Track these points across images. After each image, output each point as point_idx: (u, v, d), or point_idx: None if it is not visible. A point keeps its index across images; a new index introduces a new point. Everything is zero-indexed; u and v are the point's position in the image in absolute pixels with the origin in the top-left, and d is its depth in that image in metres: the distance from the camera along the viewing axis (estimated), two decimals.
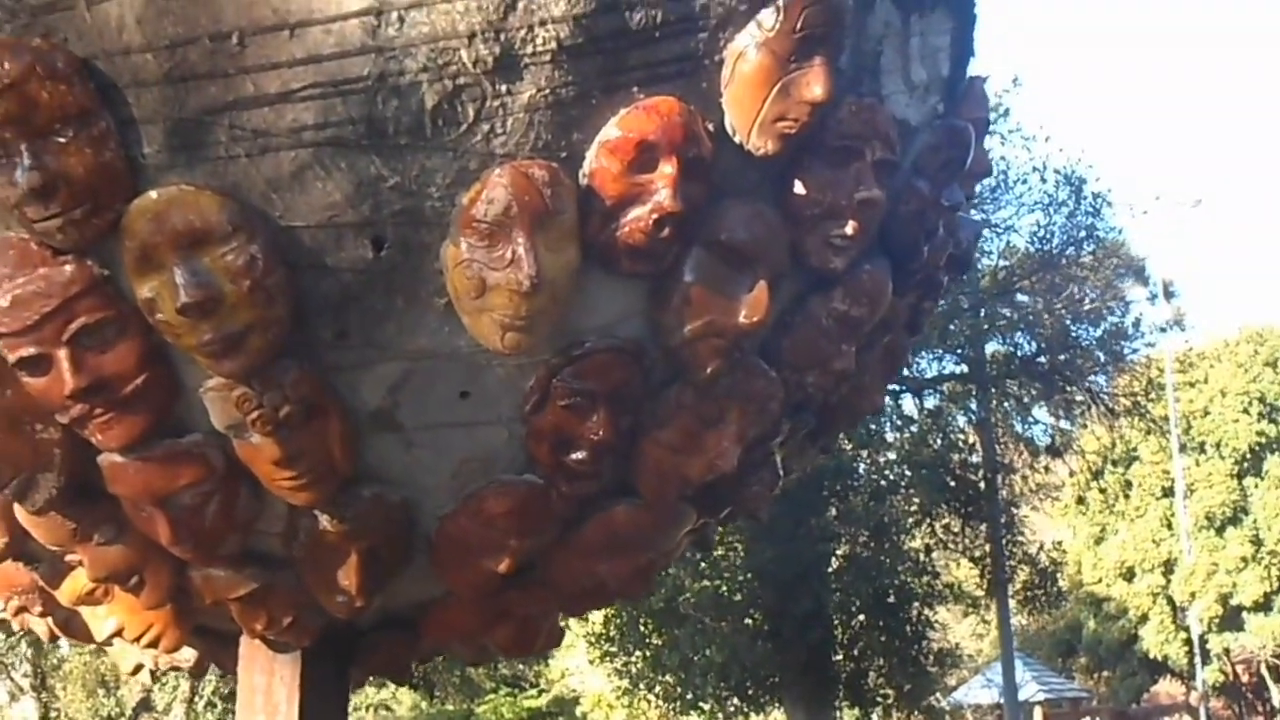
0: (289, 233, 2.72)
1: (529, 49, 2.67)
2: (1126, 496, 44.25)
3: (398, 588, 3.31)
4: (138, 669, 3.74)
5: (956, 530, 26.11)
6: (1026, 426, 26.42)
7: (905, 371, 22.04)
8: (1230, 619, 41.78)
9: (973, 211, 3.77)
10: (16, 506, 3.06)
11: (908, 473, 24.73)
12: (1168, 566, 43.66)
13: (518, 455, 3.11)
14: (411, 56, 2.63)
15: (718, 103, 2.88)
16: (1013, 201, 23.61)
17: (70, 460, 2.91)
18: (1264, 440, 42.69)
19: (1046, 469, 27.64)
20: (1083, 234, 24.04)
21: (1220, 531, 42.35)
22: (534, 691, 40.24)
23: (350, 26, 2.59)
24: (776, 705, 27.04)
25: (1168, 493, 43.87)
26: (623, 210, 2.80)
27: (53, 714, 34.74)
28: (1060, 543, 31.95)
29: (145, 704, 34.00)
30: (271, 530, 3.12)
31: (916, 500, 25.20)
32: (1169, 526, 43.88)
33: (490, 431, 3.07)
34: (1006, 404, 25.91)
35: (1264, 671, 41.80)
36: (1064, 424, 27.23)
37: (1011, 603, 27.53)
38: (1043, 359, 24.06)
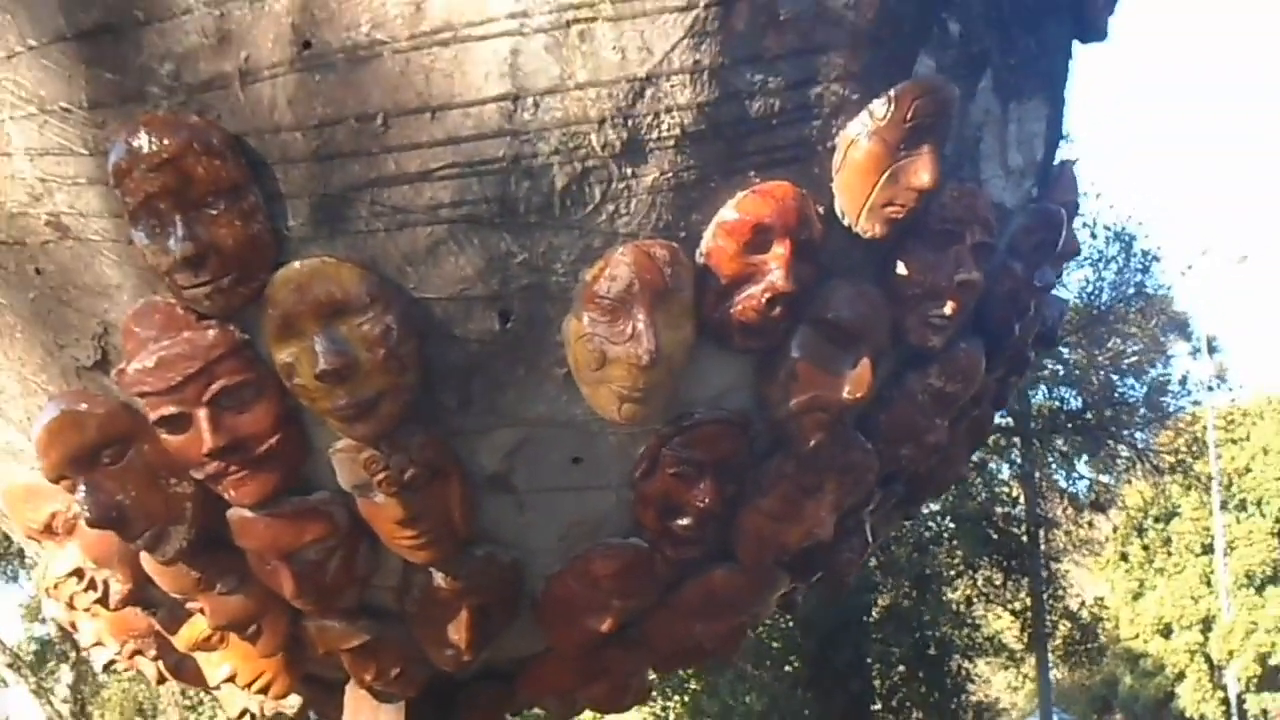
0: (421, 304, 2.85)
1: (654, 134, 2.80)
2: (1167, 553, 43.99)
3: (501, 643, 3.42)
4: (244, 713, 3.86)
5: (998, 583, 26.09)
6: (1071, 481, 26.39)
7: None
8: (1269, 679, 41.45)
9: None
10: (143, 555, 3.19)
11: (951, 525, 24.77)
12: (1206, 624, 43.39)
13: (624, 519, 3.23)
14: (544, 140, 2.76)
15: (828, 186, 3.00)
16: None
17: (200, 514, 3.05)
18: None
19: (1090, 524, 27.58)
20: (1131, 290, 24.09)
21: (1260, 590, 42.05)
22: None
23: (489, 110, 2.73)
24: None
25: (1207, 549, 43.64)
26: (737, 289, 2.93)
27: None
28: (1102, 598, 31.86)
29: None
30: (385, 585, 3.24)
31: (959, 552, 25.20)
32: (1208, 584, 43.65)
33: (599, 496, 3.19)
34: (1050, 457, 25.90)
35: None
36: (1105, 478, 27.20)
37: (1050, 657, 27.41)
38: (1089, 414, 24.07)
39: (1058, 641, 27.08)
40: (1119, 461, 26.26)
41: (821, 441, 3.14)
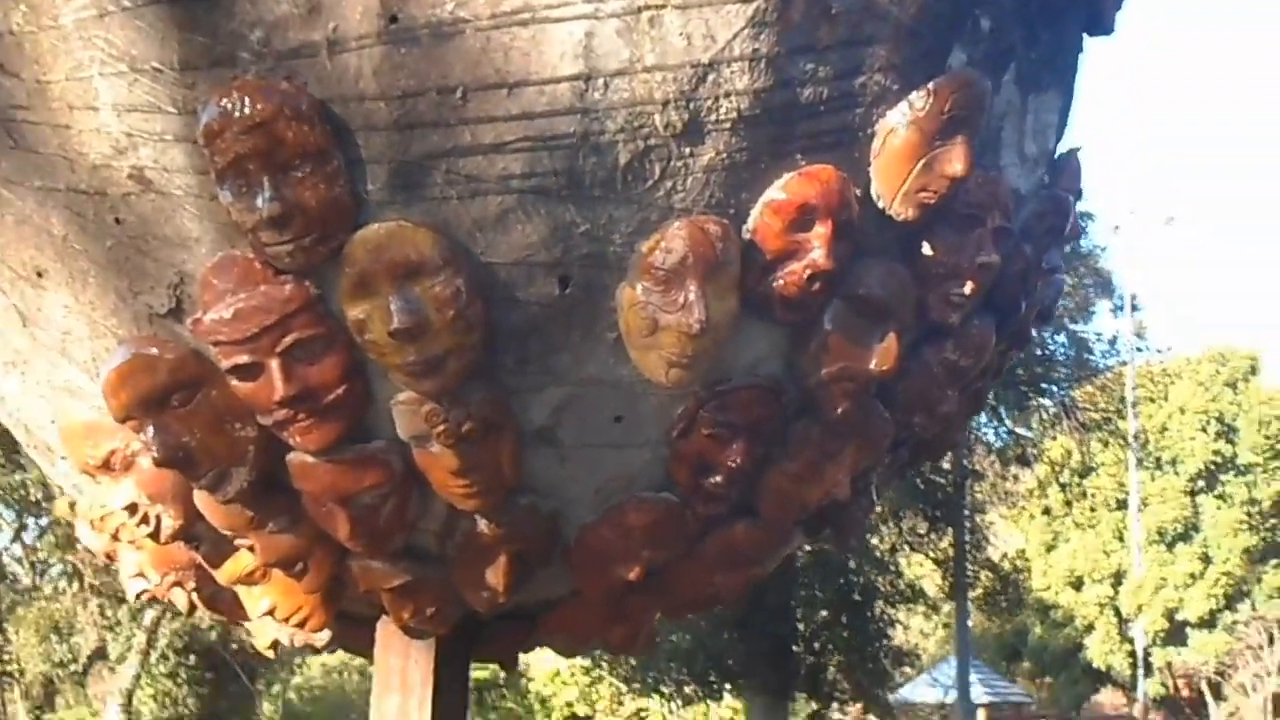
0: (488, 268, 3.01)
1: (713, 117, 2.97)
2: (1089, 509, 44.72)
3: (530, 586, 3.61)
4: (275, 644, 4.02)
5: (922, 532, 26.58)
6: (997, 435, 26.89)
7: None
8: (1175, 634, 42.41)
9: None
10: (198, 493, 3.35)
11: None
12: (1117, 578, 44.23)
13: (658, 475, 3.42)
14: (612, 118, 2.92)
15: (866, 170, 3.18)
16: None
17: (260, 457, 3.20)
18: (1219, 460, 43.25)
19: (1016, 477, 28.14)
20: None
21: (1170, 547, 42.93)
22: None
23: (561, 89, 2.89)
24: (733, 694, 27.43)
25: (1121, 505, 44.41)
26: (780, 264, 3.11)
27: (5, 658, 34.79)
28: (1023, 550, 32.49)
29: (100, 653, 34.08)
30: (428, 529, 3.42)
31: (886, 501, 25.64)
32: (1121, 539, 44.42)
33: (637, 453, 3.38)
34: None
35: (1204, 687, 42.46)
36: (1030, 433, 27.72)
37: (969, 606, 28.03)
38: (1019, 369, 24.52)
39: (978, 591, 27.67)
40: (1045, 416, 26.78)
41: (849, 410, 3.35)
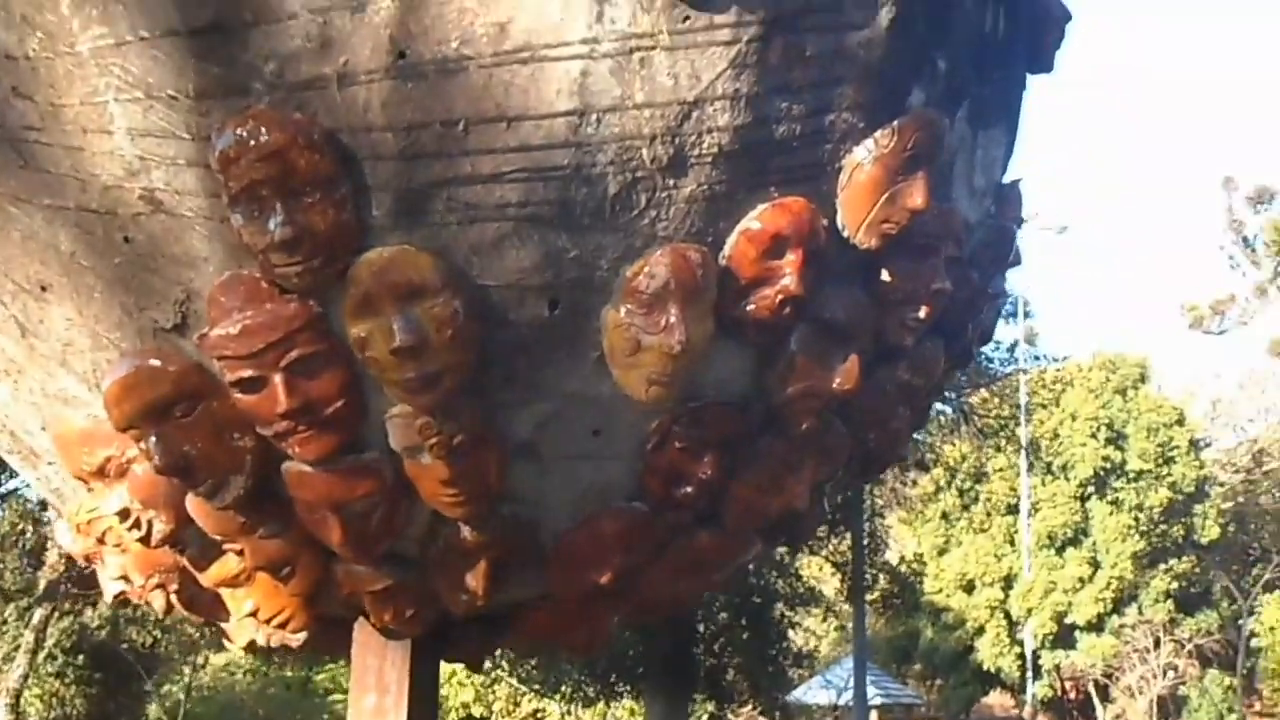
0: (482, 290, 3.19)
1: (696, 151, 3.18)
2: (985, 513, 45.18)
3: (504, 590, 3.80)
4: (251, 644, 4.16)
5: (821, 535, 26.95)
6: None
7: None
8: (1063, 637, 43.00)
9: None
10: (190, 500, 3.49)
11: None
12: (1007, 582, 44.73)
13: (631, 485, 3.61)
14: (603, 151, 3.12)
15: (833, 202, 3.41)
16: None
17: (258, 466, 3.35)
18: (1109, 466, 43.88)
19: (914, 482, 28.60)
20: None
21: (1060, 551, 43.53)
22: None
23: (558, 123, 3.07)
24: (633, 696, 27.62)
25: (1012, 509, 44.94)
26: (753, 289, 3.33)
27: None
28: (921, 554, 32.98)
29: None
30: (412, 535, 3.58)
31: None
32: (1012, 543, 44.96)
33: (612, 465, 3.57)
34: None
35: (1091, 690, 43.24)
36: (929, 438, 28.21)
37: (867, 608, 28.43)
38: None
39: (875, 594, 28.10)
40: (943, 422, 27.28)
41: (813, 426, 3.57)
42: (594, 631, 4.21)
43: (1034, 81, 4.18)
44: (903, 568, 28.64)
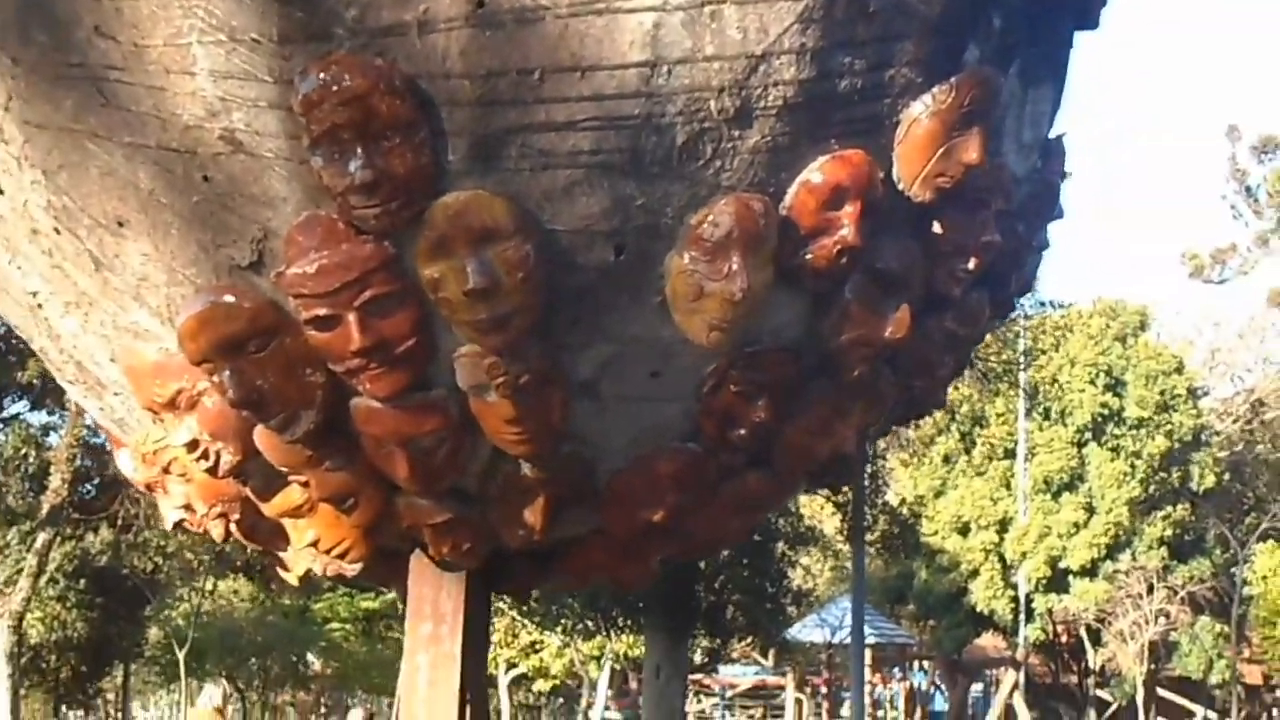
0: (552, 235, 3.28)
1: (762, 104, 3.26)
2: (987, 456, 45.02)
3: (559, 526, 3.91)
4: (307, 573, 4.27)
5: None
6: None
7: None
8: (1057, 581, 43.01)
9: None
10: (259, 431, 3.59)
11: None
12: (1003, 525, 44.70)
13: (686, 427, 3.72)
14: (672, 102, 3.20)
15: (889, 155, 3.50)
16: None
17: (328, 401, 3.45)
18: (1106, 412, 43.74)
19: (916, 425, 28.69)
20: None
21: (1055, 496, 43.46)
22: (371, 594, 40.51)
23: (629, 74, 3.16)
24: (633, 630, 27.78)
25: (1010, 454, 44.84)
26: (812, 239, 3.42)
27: None
28: (922, 497, 33.08)
29: None
30: (473, 471, 3.69)
31: None
32: (1008, 487, 44.92)
33: (669, 406, 3.68)
34: None
35: (1083, 634, 43.37)
36: None
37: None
38: None
39: (875, 535, 28.24)
40: None
41: (864, 372, 3.68)
42: (642, 567, 4.33)
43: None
44: (903, 510, 28.73)
